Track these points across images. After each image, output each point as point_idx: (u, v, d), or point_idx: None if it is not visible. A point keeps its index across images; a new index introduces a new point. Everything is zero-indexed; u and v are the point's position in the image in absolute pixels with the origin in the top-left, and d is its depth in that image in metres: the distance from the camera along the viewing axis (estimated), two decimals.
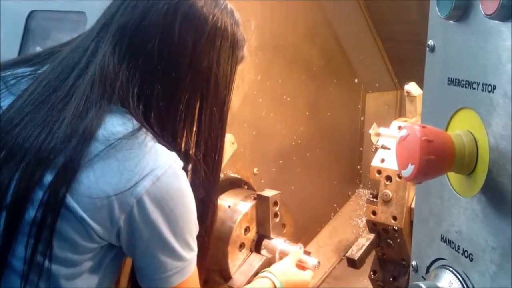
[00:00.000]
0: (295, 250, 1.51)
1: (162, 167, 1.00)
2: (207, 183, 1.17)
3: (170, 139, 1.08)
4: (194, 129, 1.14)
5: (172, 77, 1.07)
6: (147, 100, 1.06)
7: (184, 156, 1.10)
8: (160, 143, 1.04)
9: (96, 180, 0.97)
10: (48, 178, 0.97)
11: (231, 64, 1.15)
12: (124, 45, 1.05)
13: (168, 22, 1.05)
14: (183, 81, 1.08)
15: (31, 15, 1.90)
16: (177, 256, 1.04)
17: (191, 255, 1.06)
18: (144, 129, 1.02)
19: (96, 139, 0.98)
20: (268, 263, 1.56)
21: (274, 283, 1.36)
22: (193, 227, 1.07)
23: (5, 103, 1.08)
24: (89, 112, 1.01)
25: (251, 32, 1.72)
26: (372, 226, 1.58)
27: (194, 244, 1.07)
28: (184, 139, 1.12)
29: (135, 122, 1.03)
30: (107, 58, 1.05)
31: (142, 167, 0.98)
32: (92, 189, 0.96)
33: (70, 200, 0.96)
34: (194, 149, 1.14)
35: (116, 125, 1.01)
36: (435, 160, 0.69)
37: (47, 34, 1.87)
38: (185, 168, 1.06)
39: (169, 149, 1.04)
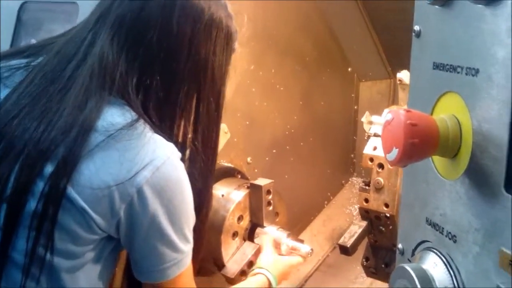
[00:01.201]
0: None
1: (161, 158, 1.00)
2: (205, 173, 1.18)
3: (168, 130, 1.09)
4: (192, 119, 1.15)
5: (171, 68, 1.08)
6: (146, 90, 1.07)
7: (182, 146, 1.11)
8: (158, 134, 1.04)
9: (96, 171, 0.97)
10: (49, 169, 0.97)
11: (226, 55, 1.16)
12: (123, 36, 1.06)
13: (167, 14, 1.06)
14: (181, 71, 1.09)
15: (23, 6, 1.90)
16: (174, 248, 1.04)
17: (188, 247, 1.07)
18: (142, 120, 1.03)
19: (96, 130, 0.99)
20: (261, 251, 1.58)
21: (268, 279, 1.40)
22: (190, 219, 1.07)
23: (0, 96, 1.08)
24: (88, 103, 1.01)
25: (244, 22, 1.73)
26: (365, 213, 1.59)
27: (191, 236, 1.08)
28: (182, 129, 1.13)
29: (133, 113, 1.03)
30: (106, 49, 1.05)
31: (141, 157, 0.99)
32: (93, 179, 0.97)
33: (71, 191, 0.96)
34: (191, 139, 1.15)
35: (115, 116, 1.02)
36: (419, 143, 0.70)
37: (39, 25, 1.86)
38: (182, 159, 1.07)
39: (167, 139, 1.05)
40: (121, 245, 1.07)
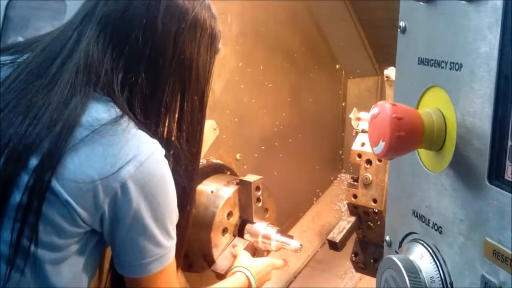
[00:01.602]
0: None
1: (145, 153, 1.02)
2: (189, 170, 1.19)
3: (153, 127, 1.10)
4: (176, 118, 1.16)
5: (156, 67, 1.09)
6: (132, 88, 1.08)
7: (166, 144, 1.12)
8: (143, 131, 1.05)
9: (81, 165, 0.98)
10: (34, 162, 0.98)
11: (210, 55, 1.18)
12: (108, 34, 1.07)
13: (152, 13, 1.08)
14: (166, 70, 1.10)
15: (9, 4, 1.89)
16: (157, 243, 1.06)
17: (170, 243, 1.09)
18: (127, 116, 1.04)
19: (81, 124, 1.00)
20: (251, 247, 1.59)
21: (247, 277, 1.42)
22: (173, 215, 1.09)
23: None
24: (74, 98, 1.02)
25: (228, 22, 1.74)
26: (353, 209, 1.60)
27: (174, 232, 1.09)
28: (166, 127, 1.14)
29: (118, 109, 1.05)
30: (91, 47, 1.06)
31: (125, 152, 1.00)
32: (77, 173, 0.98)
33: (56, 184, 0.97)
34: (176, 138, 1.16)
35: (100, 111, 1.03)
36: (405, 136, 0.71)
37: (27, 23, 1.85)
38: (167, 156, 1.08)
39: (151, 136, 1.06)
40: (104, 243, 1.08)
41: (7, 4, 1.84)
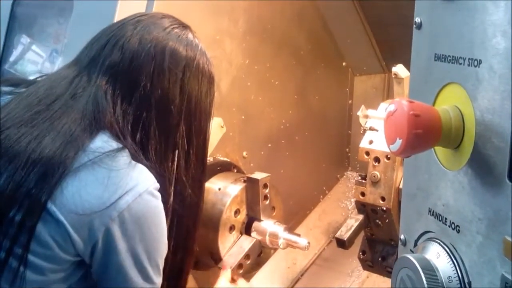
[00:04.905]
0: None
1: (143, 186, 1.03)
2: (193, 209, 1.23)
3: (164, 170, 1.13)
4: (182, 159, 1.19)
5: (166, 113, 1.13)
6: (143, 134, 1.11)
7: (175, 185, 1.16)
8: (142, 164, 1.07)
9: (79, 190, 0.99)
10: (32, 182, 0.98)
11: (209, 98, 1.23)
12: (118, 83, 1.10)
13: (158, 62, 1.11)
14: (176, 116, 1.14)
15: (15, 1, 1.87)
16: (148, 278, 1.06)
17: (159, 280, 1.09)
18: (128, 151, 1.06)
19: (84, 150, 1.01)
20: (258, 245, 1.58)
21: None
22: (164, 251, 1.10)
23: None
24: (80, 127, 1.04)
25: (239, 16, 1.73)
26: (361, 207, 1.59)
27: (161, 269, 1.10)
28: (175, 166, 1.17)
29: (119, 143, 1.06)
30: (99, 96, 1.08)
31: (125, 182, 1.01)
32: (75, 197, 0.98)
33: (52, 206, 0.98)
34: (183, 178, 1.19)
35: (104, 142, 1.04)
36: (422, 134, 0.70)
37: (33, 20, 1.84)
38: (169, 193, 1.12)
39: (156, 174, 1.08)
40: (90, 279, 1.07)
41: (14, 2, 1.83)
